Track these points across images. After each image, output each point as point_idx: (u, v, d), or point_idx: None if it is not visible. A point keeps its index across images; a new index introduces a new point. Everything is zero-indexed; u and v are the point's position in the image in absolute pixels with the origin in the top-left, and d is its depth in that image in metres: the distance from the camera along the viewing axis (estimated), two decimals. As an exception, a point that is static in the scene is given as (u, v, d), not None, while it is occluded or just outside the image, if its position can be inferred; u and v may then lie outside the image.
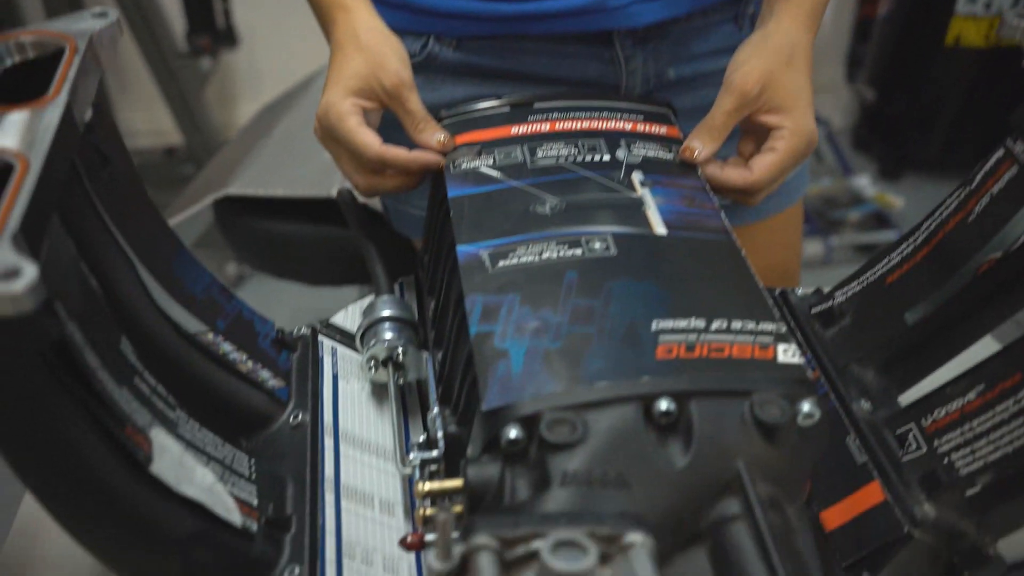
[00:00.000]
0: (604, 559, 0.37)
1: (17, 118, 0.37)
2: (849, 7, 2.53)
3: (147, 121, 2.46)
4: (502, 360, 0.45)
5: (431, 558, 0.36)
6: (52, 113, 0.37)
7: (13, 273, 0.31)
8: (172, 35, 2.11)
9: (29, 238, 0.33)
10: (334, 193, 1.08)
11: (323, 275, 1.15)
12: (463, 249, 0.52)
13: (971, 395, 0.48)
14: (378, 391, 0.59)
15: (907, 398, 0.53)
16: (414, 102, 0.61)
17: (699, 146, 0.59)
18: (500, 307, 0.48)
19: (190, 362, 0.50)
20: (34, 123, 0.37)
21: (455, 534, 0.37)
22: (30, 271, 0.31)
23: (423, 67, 0.74)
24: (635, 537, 0.37)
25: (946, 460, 0.47)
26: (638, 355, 0.44)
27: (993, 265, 0.49)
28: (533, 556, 0.37)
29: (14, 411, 0.36)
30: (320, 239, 1.09)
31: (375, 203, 0.96)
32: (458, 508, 0.45)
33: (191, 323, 0.52)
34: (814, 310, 0.59)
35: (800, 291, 0.61)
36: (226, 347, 0.53)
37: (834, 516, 0.50)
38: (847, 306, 0.58)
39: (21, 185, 0.34)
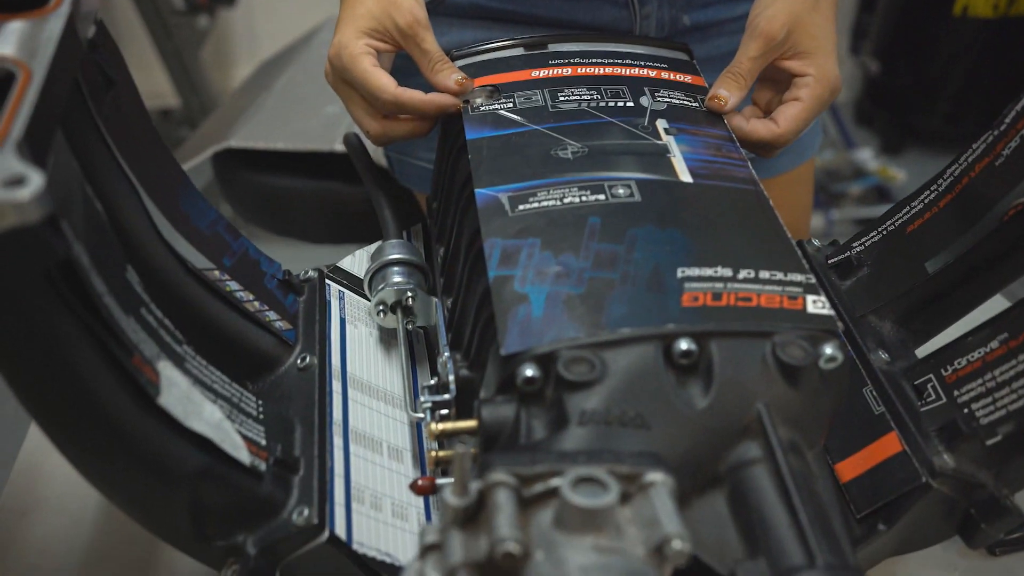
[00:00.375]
0: (623, 498, 0.36)
1: (17, 27, 0.35)
2: (855, -22, 2.50)
3: (143, 82, 2.38)
4: (522, 304, 0.44)
5: (447, 494, 0.35)
6: (54, 24, 0.36)
7: (18, 181, 0.29)
8: (168, -9, 2.07)
9: (33, 148, 0.31)
10: (336, 147, 1.06)
11: (322, 232, 1.14)
12: (482, 192, 0.51)
13: (994, 343, 0.47)
14: (386, 338, 0.58)
15: (925, 351, 0.52)
16: (430, 42, 0.59)
17: (726, 94, 0.57)
18: (520, 251, 0.47)
19: (196, 298, 0.49)
20: (36, 33, 0.35)
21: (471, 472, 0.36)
22: (36, 179, 0.29)
23: (431, 10, 0.72)
24: (655, 476, 0.36)
25: (966, 410, 0.46)
26: (663, 302, 0.43)
27: (1021, 210, 0.48)
28: (551, 494, 0.36)
29: (19, 334, 0.35)
30: (321, 194, 1.08)
31: (378, 158, 0.94)
32: (473, 451, 0.44)
33: (197, 259, 0.51)
34: (831, 261, 0.58)
35: (816, 242, 0.60)
36: (232, 285, 0.51)
37: (849, 468, 0.49)
38: (865, 256, 0.57)
39: (24, 93, 0.32)
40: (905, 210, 0.56)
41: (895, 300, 0.54)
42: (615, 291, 0.43)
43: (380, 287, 0.56)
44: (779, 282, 0.44)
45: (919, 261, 0.53)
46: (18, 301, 0.33)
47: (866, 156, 2.21)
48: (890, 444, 0.48)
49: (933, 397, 0.48)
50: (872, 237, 0.57)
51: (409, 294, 0.56)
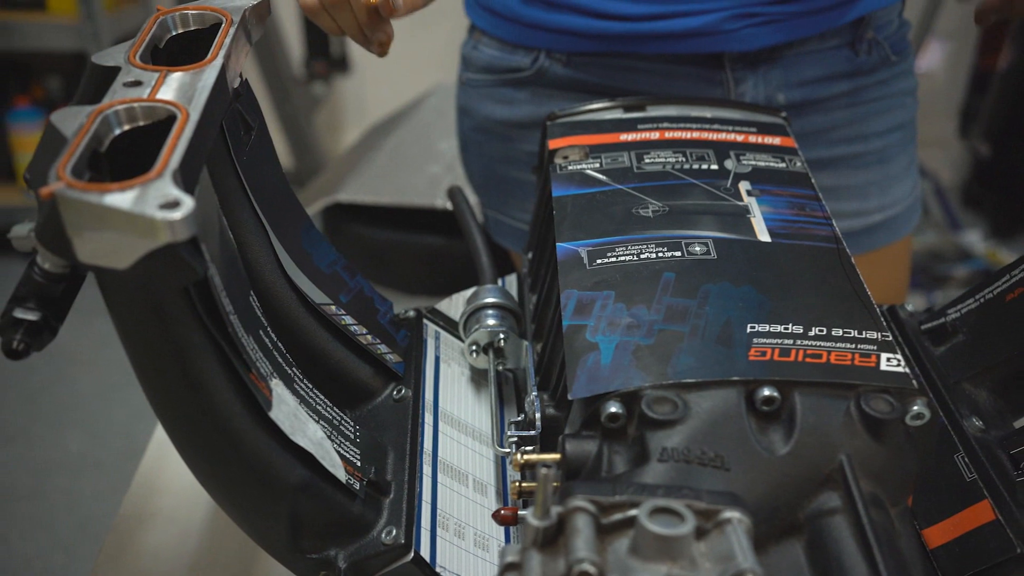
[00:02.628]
0: (699, 534, 0.37)
1: (179, 76, 0.41)
2: (965, 60, 2.46)
3: (261, 143, 2.58)
4: (592, 352, 0.46)
5: (529, 516, 0.37)
6: (209, 74, 0.41)
7: (174, 204, 0.34)
8: (290, 61, 2.22)
9: (186, 179, 0.36)
10: (437, 203, 1.12)
11: (420, 283, 1.19)
12: (563, 246, 0.53)
13: (1094, 415, 0.46)
14: (477, 378, 0.61)
15: None
16: None
17: None
18: (595, 302, 0.49)
19: (309, 328, 0.53)
20: (194, 82, 0.40)
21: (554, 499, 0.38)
22: (188, 203, 0.34)
23: (533, 81, 0.77)
24: (733, 513, 0.37)
25: (1064, 480, 0.45)
26: (729, 355, 0.44)
27: (1122, 283, 0.47)
28: (629, 523, 0.37)
29: (158, 342, 0.39)
30: (421, 248, 1.13)
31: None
32: (556, 484, 0.46)
33: (315, 294, 0.55)
34: (924, 327, 0.58)
35: (910, 307, 0.60)
36: (348, 319, 0.55)
37: (938, 534, 0.48)
38: (961, 323, 0.56)
39: (182, 132, 0.37)
40: (1005, 278, 0.55)
41: (991, 369, 0.53)
42: (684, 343, 0.45)
43: (474, 328, 0.59)
44: (852, 339, 0.45)
45: (1018, 330, 0.53)
46: (160, 312, 0.38)
47: (973, 239, 2.14)
48: (983, 512, 0.47)
49: (1029, 467, 0.47)
50: (969, 304, 0.57)
51: (501, 336, 0.58)
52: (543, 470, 0.37)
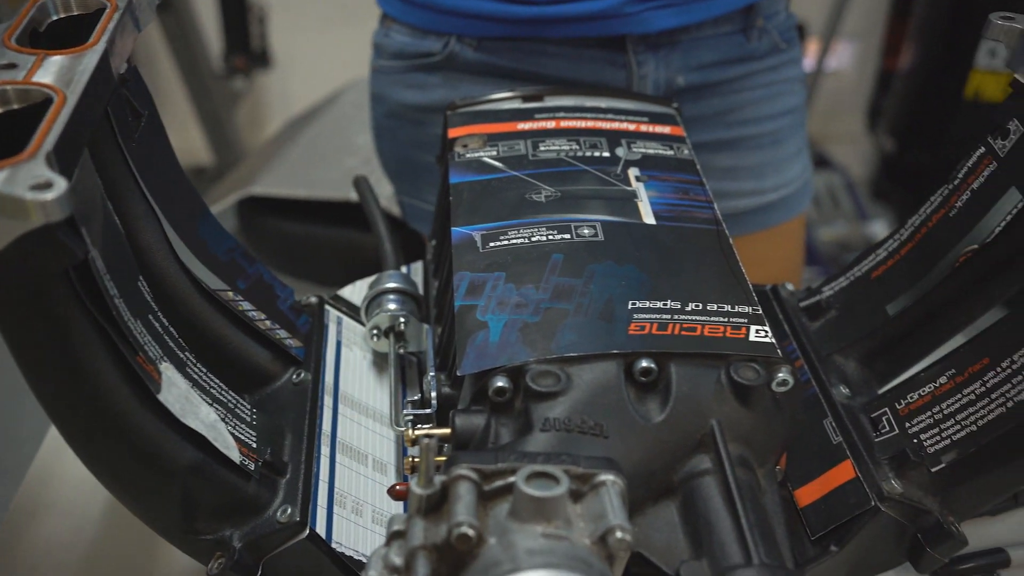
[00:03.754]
0: (577, 497, 0.39)
1: (58, 60, 0.41)
2: (872, 59, 2.57)
3: (179, 140, 2.50)
4: (481, 331, 0.48)
5: (413, 485, 0.39)
6: (90, 59, 0.41)
7: (45, 185, 0.34)
8: (209, 55, 2.18)
9: (61, 161, 0.36)
10: (352, 196, 1.12)
11: (337, 276, 1.19)
12: (458, 231, 0.55)
13: (942, 379, 0.49)
14: (379, 362, 0.62)
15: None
16: None
17: None
18: (486, 283, 0.51)
19: (204, 314, 0.53)
20: (74, 66, 0.41)
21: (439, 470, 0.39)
22: (60, 184, 0.34)
23: (444, 66, 0.78)
24: (607, 476, 0.39)
25: (915, 440, 0.49)
26: (610, 330, 0.47)
27: (970, 257, 0.51)
28: (509, 489, 0.39)
29: (37, 327, 0.39)
30: (337, 241, 1.13)
31: (391, 205, 1.00)
32: (442, 459, 0.47)
33: (212, 280, 0.55)
34: (802, 304, 0.62)
35: (790, 286, 0.63)
36: (246, 305, 0.55)
37: (807, 494, 0.52)
38: (833, 300, 0.60)
39: (58, 114, 0.37)
40: (871, 256, 0.59)
41: (858, 340, 0.57)
42: (568, 320, 0.47)
43: (375, 313, 0.60)
44: (725, 313, 0.47)
45: (881, 304, 0.56)
46: (39, 296, 0.38)
47: (878, 228, 2.24)
48: (844, 471, 0.50)
49: (887, 428, 0.51)
50: (840, 282, 0.60)
51: (401, 320, 0.60)
52: (424, 441, 0.38)
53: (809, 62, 2.31)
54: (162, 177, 0.53)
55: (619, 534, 0.36)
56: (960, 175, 0.54)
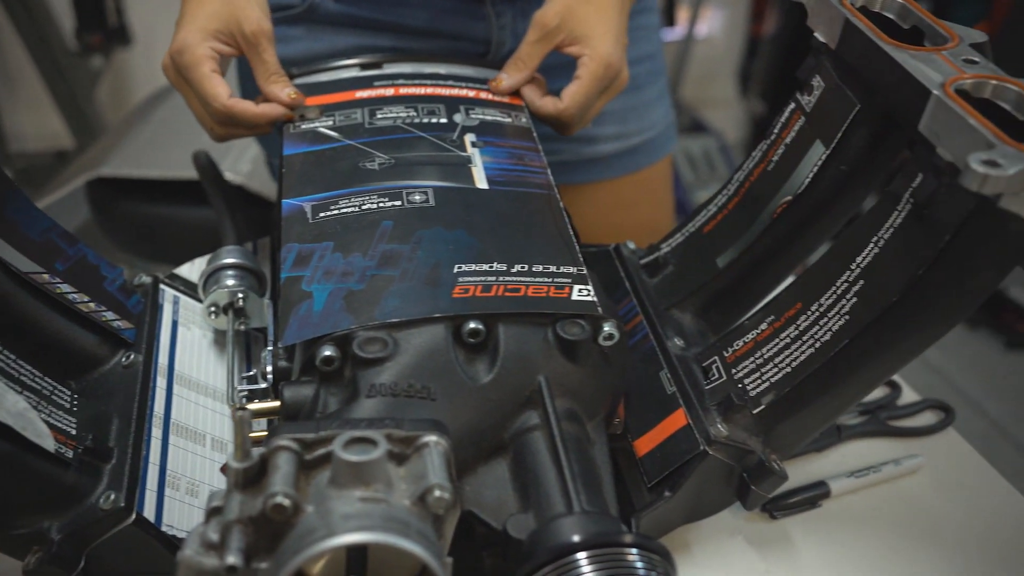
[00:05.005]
0: (401, 460, 0.39)
1: None
2: (739, 26, 2.66)
3: (36, 124, 2.37)
4: (305, 301, 0.47)
5: (229, 459, 0.38)
6: None
7: None
8: (61, 33, 2.05)
9: None
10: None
11: (195, 257, 1.15)
12: (288, 202, 0.54)
13: (763, 325, 0.52)
14: (220, 340, 0.60)
15: (719, 338, 0.57)
16: (270, 53, 0.62)
17: (505, 77, 0.65)
18: (313, 254, 0.50)
19: (14, 298, 0.50)
20: None
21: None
22: None
23: (305, 17, 0.76)
24: (430, 437, 0.39)
25: (740, 385, 0.51)
26: (434, 294, 0.47)
27: (786, 208, 0.54)
28: (330, 457, 0.39)
29: None
30: (194, 221, 1.09)
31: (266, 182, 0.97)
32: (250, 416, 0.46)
33: (23, 263, 0.52)
34: (643, 261, 0.63)
35: (632, 244, 0.65)
36: (65, 288, 0.53)
37: (644, 443, 0.53)
38: (671, 256, 0.62)
39: None
40: (703, 212, 0.61)
41: (693, 294, 0.59)
42: (393, 286, 0.47)
43: (212, 289, 0.58)
44: (550, 274, 0.48)
45: (712, 258, 0.59)
46: None
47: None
48: (677, 419, 0.52)
49: (716, 376, 0.53)
50: (677, 238, 0.62)
51: (240, 295, 0.58)
52: (238, 414, 0.37)
53: (680, 29, 2.36)
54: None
55: (437, 492, 0.37)
56: (776, 130, 0.56)
